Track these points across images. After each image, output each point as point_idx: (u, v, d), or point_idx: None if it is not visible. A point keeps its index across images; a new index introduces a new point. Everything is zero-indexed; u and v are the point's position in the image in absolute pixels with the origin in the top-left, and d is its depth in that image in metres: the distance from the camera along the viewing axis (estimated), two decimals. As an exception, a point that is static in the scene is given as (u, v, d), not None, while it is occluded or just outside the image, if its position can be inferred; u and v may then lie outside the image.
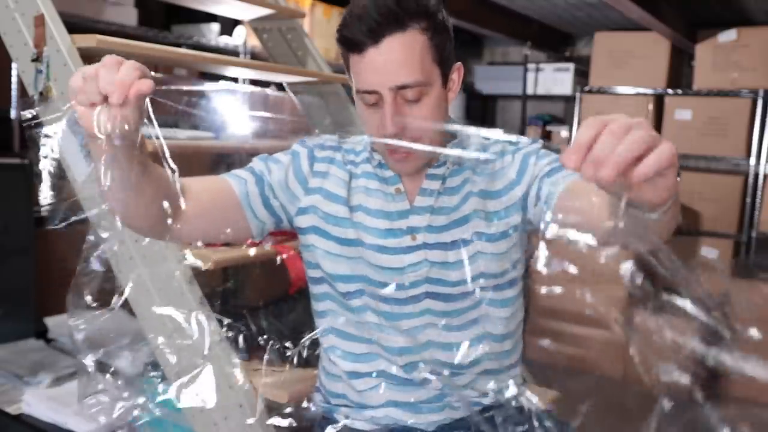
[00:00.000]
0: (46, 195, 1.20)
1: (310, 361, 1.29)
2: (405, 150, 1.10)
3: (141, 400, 1.83)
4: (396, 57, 1.04)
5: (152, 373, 1.87)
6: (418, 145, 1.05)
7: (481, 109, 5.44)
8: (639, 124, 0.69)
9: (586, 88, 4.39)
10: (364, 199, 1.20)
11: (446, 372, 1.21)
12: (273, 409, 1.65)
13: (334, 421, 1.25)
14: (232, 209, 1.17)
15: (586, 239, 0.84)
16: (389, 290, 1.17)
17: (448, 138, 1.22)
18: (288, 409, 1.75)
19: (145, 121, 0.94)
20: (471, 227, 1.18)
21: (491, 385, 1.27)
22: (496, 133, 1.18)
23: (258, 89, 2.84)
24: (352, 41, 1.06)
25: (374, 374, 1.21)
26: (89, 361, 1.23)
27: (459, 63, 1.16)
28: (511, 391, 1.30)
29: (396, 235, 1.17)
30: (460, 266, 1.18)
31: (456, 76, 1.16)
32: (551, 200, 1.11)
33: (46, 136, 1.12)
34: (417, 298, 1.19)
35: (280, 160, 1.23)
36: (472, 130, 1.22)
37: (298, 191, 1.21)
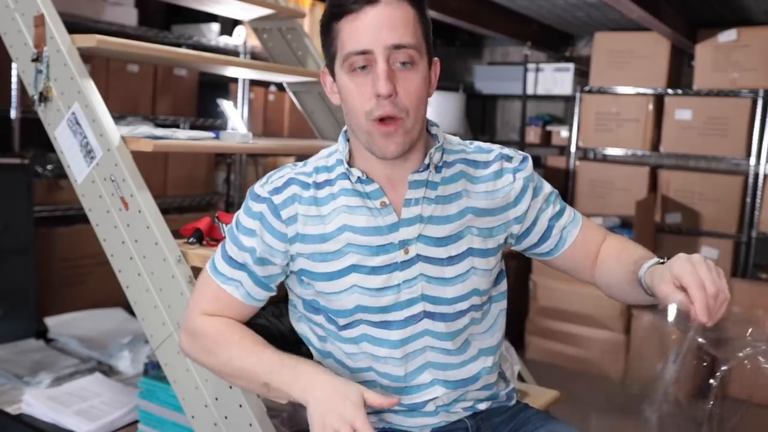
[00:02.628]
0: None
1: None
2: (394, 122, 1.07)
3: (141, 399, 1.84)
4: (392, 15, 1.06)
5: (152, 373, 1.88)
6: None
7: (481, 109, 5.44)
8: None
9: (586, 88, 4.39)
10: (348, 219, 1.14)
11: (445, 392, 1.19)
12: (272, 409, 1.65)
13: None
14: (245, 312, 1.23)
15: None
16: (387, 308, 1.15)
17: (429, 143, 1.19)
18: (287, 410, 1.75)
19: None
20: (466, 243, 1.17)
21: (485, 393, 1.26)
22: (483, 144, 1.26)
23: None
24: (345, 2, 1.06)
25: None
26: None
27: (437, 59, 1.17)
28: (506, 394, 1.30)
29: (388, 250, 1.14)
30: (456, 282, 1.16)
31: (434, 72, 1.16)
32: (563, 245, 1.26)
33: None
34: (415, 318, 1.16)
35: (251, 228, 1.17)
36: (455, 139, 1.25)
37: (281, 246, 1.16)
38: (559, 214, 1.26)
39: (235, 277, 1.19)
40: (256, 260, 1.17)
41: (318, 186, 1.17)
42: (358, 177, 1.15)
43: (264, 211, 1.16)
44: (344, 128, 1.21)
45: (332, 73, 1.14)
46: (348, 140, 1.18)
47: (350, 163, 1.16)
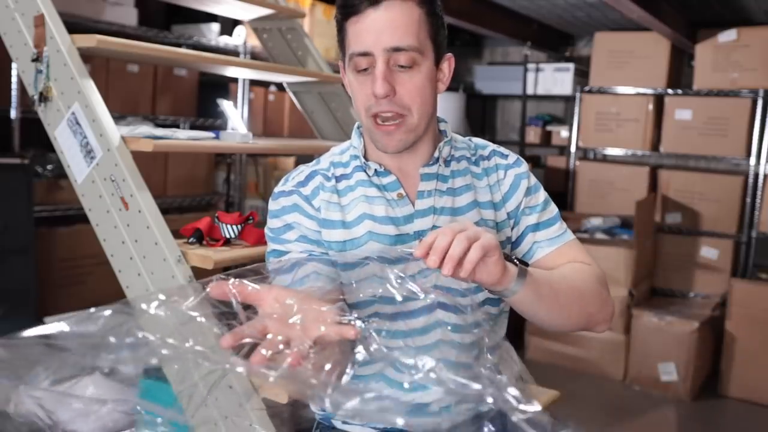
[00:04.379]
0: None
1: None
2: (393, 122, 1.10)
3: (141, 400, 1.84)
4: (393, 18, 1.07)
5: (152, 373, 1.88)
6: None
7: (481, 109, 5.45)
8: (464, 226, 0.94)
9: (586, 88, 4.39)
10: (368, 208, 1.17)
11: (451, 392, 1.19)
12: (273, 409, 1.65)
13: (331, 427, 1.25)
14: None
15: None
16: (403, 303, 1.15)
17: (438, 138, 1.22)
18: (288, 410, 1.75)
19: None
20: None
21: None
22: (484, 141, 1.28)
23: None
24: (351, 4, 1.08)
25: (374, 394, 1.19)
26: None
27: (450, 54, 1.18)
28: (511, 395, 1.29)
29: (404, 240, 1.16)
30: None
31: (446, 67, 1.18)
32: (529, 257, 1.21)
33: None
34: (429, 308, 1.16)
35: (289, 223, 1.18)
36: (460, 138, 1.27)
37: (318, 229, 1.17)
38: (538, 227, 1.23)
39: (306, 273, 1.15)
40: (316, 243, 1.17)
41: (337, 179, 1.20)
42: (375, 169, 1.17)
43: (296, 201, 1.18)
44: (356, 124, 1.24)
45: (345, 68, 1.17)
46: (361, 135, 1.21)
47: (365, 157, 1.19)
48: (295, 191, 1.19)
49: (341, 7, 1.11)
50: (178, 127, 3.52)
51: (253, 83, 3.78)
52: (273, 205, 1.20)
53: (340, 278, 1.17)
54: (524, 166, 1.26)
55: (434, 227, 1.16)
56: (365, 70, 1.10)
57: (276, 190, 1.21)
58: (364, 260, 1.14)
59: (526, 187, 1.23)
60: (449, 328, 1.18)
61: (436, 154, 1.19)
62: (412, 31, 1.08)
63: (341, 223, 1.17)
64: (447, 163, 1.21)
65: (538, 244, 1.22)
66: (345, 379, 1.12)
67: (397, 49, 1.07)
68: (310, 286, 1.14)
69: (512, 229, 1.23)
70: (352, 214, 1.17)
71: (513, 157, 1.27)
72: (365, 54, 1.08)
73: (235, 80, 3.68)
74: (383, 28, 1.07)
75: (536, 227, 1.23)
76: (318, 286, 1.14)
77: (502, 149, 1.28)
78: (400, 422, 1.20)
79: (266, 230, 1.22)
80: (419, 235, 1.16)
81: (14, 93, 2.83)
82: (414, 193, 1.18)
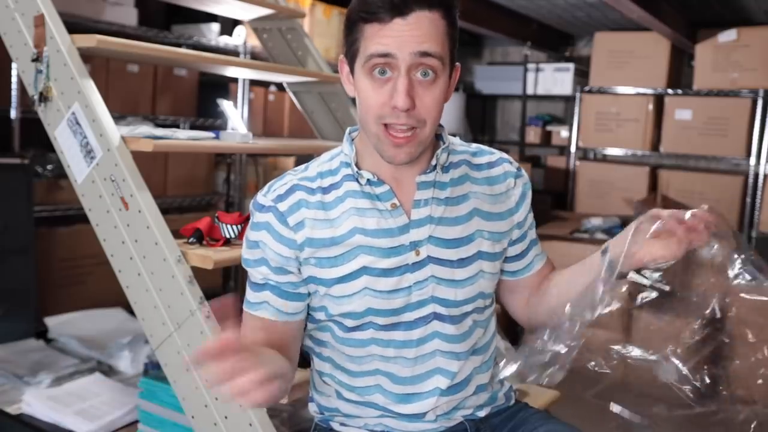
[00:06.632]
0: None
1: (310, 363, 1.29)
2: (404, 134, 1.06)
3: (141, 399, 1.84)
4: (422, 27, 1.04)
5: (152, 373, 1.88)
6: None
7: (481, 109, 5.45)
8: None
9: (586, 88, 4.39)
10: (358, 221, 1.12)
11: (444, 400, 1.18)
12: (273, 409, 1.65)
13: (329, 429, 1.25)
14: (287, 332, 1.17)
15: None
16: (398, 310, 1.14)
17: (435, 144, 1.18)
18: (288, 410, 1.75)
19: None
20: (476, 246, 1.17)
21: (484, 398, 1.25)
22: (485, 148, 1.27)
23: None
24: (374, 11, 1.04)
25: (370, 404, 1.19)
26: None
27: (458, 63, 1.15)
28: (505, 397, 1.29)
29: (399, 252, 1.12)
30: (465, 285, 1.16)
31: (454, 76, 1.14)
32: (528, 270, 1.27)
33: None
34: (425, 320, 1.15)
35: (256, 241, 1.15)
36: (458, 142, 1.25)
37: (291, 253, 1.13)
38: (536, 241, 1.29)
39: (260, 299, 1.16)
40: (275, 270, 1.14)
41: (324, 190, 1.15)
42: (368, 179, 1.13)
43: (270, 220, 1.14)
44: (348, 130, 1.20)
45: (351, 67, 1.12)
46: (352, 142, 1.17)
47: (357, 165, 1.15)
48: (271, 208, 1.14)
49: (363, 12, 1.05)
50: (178, 127, 3.52)
51: (253, 83, 3.78)
52: (252, 216, 1.17)
53: (290, 310, 1.17)
54: (526, 176, 1.26)
55: (431, 237, 1.14)
56: (382, 73, 1.05)
57: (257, 197, 1.17)
58: (357, 272, 1.13)
59: (529, 199, 1.26)
60: (446, 338, 1.17)
61: (434, 162, 1.15)
62: (438, 40, 1.05)
63: (330, 240, 1.13)
64: (445, 169, 1.17)
65: (539, 257, 1.28)
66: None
67: (425, 54, 1.03)
68: (262, 316, 1.16)
69: (517, 241, 1.24)
70: (342, 229, 1.13)
71: (515, 164, 1.26)
72: (386, 55, 1.03)
73: (235, 80, 3.68)
74: (410, 36, 1.03)
75: (535, 242, 1.28)
76: (269, 315, 1.16)
77: (507, 156, 1.26)
78: (397, 426, 1.20)
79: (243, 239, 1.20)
80: (415, 245, 1.13)
81: (14, 93, 2.83)
82: (409, 202, 1.14)
